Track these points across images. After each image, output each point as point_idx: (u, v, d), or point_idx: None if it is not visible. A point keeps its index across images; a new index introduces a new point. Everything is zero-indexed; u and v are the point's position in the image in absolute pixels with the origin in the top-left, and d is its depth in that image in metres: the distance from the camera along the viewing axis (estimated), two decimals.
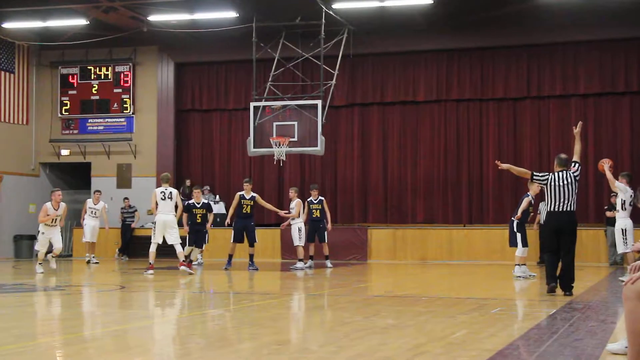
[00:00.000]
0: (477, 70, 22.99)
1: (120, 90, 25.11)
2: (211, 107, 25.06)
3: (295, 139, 20.97)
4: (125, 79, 25.07)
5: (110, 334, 8.09)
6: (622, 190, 14.63)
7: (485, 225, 22.32)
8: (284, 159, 21.26)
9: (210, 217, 18.04)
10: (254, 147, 21.22)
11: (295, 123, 21.01)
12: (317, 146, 20.74)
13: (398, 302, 11.38)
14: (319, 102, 20.78)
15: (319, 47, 20.94)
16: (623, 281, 13.47)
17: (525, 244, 15.13)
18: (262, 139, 21.15)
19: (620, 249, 14.70)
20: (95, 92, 25.25)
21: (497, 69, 22.86)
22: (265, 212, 23.89)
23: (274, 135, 20.91)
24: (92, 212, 21.39)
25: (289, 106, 21.15)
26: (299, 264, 18.80)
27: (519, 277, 15.14)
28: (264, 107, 21.29)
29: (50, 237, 17.42)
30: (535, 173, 11.83)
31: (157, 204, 16.42)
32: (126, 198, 23.40)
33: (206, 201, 18.27)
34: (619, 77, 21.94)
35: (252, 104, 21.46)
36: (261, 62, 22.28)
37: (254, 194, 18.26)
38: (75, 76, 25.46)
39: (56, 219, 17.42)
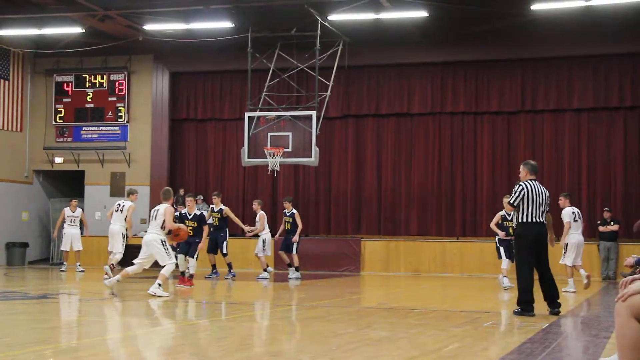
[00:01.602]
0: (472, 83, 23.04)
1: (115, 98, 25.09)
2: (206, 116, 25.05)
3: (290, 149, 20.95)
4: (120, 87, 25.05)
5: (102, 343, 8.06)
6: (567, 215, 15.83)
7: (479, 238, 22.32)
8: (278, 170, 21.25)
9: (205, 230, 17.19)
10: (248, 157, 21.20)
11: (290, 134, 21.01)
12: (311, 157, 20.73)
13: (391, 314, 11.37)
14: (313, 113, 20.78)
15: (314, 58, 20.96)
16: (566, 291, 14.90)
17: (507, 256, 15.81)
18: (256, 149, 21.13)
19: (562, 261, 15.95)
20: (89, 100, 25.23)
21: (492, 82, 22.91)
22: None
23: (269, 146, 20.91)
24: (70, 220, 21.33)
25: (283, 117, 21.15)
26: (264, 274, 19.10)
27: (506, 288, 15.77)
28: (259, 117, 21.30)
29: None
30: (510, 201, 11.04)
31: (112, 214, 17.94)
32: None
33: (199, 212, 17.91)
34: (612, 93, 21.99)
35: (246, 114, 21.46)
36: (256, 72, 22.29)
37: (223, 207, 18.90)
38: (70, 84, 25.44)
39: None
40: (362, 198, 23.67)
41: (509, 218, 15.84)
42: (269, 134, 21.05)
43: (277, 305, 13.04)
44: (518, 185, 10.98)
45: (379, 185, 23.71)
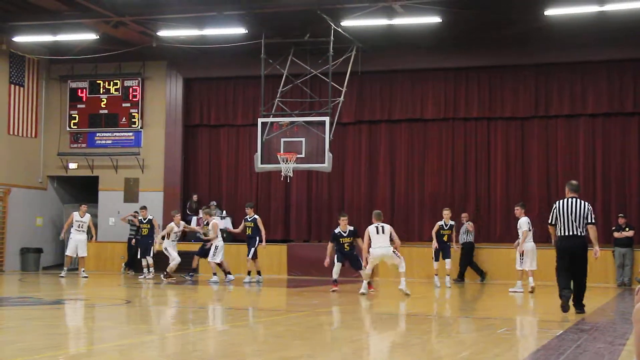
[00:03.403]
0: (485, 88, 22.96)
1: (128, 104, 25.15)
2: (219, 122, 25.07)
3: (303, 155, 20.92)
4: (134, 93, 25.11)
5: (115, 349, 8.06)
6: (524, 224, 17.15)
7: (492, 244, 22.21)
8: (291, 175, 21.23)
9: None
10: (261, 163, 21.19)
11: (303, 139, 20.98)
12: (324, 163, 20.70)
13: (404, 321, 11.33)
14: (326, 119, 20.76)
15: (328, 64, 20.93)
16: (514, 291, 16.85)
17: (436, 258, 18.83)
18: (269, 155, 21.13)
19: (517, 266, 17.31)
20: (103, 106, 25.29)
21: (505, 87, 22.83)
22: (272, 228, 23.90)
23: (282, 152, 20.90)
24: (78, 225, 21.30)
25: (296, 122, 21.13)
26: (214, 278, 19.49)
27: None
28: (272, 123, 21.28)
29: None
30: (549, 222, 12.36)
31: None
32: (136, 211, 23.31)
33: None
34: (627, 97, 21.87)
35: (260, 120, 21.45)
36: (269, 78, 22.27)
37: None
38: (84, 90, 25.51)
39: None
40: (375, 204, 23.57)
41: (446, 228, 18.96)
42: (282, 139, 21.04)
43: (291, 312, 13.02)
44: (554, 204, 12.45)
45: (392, 191, 23.65)
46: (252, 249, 19.43)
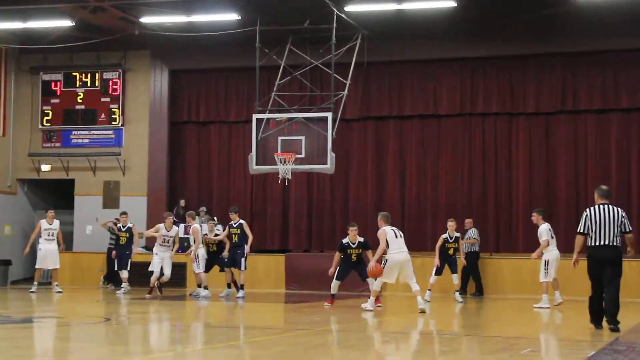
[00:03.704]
0: (506, 81, 22.90)
1: (108, 99, 25.11)
2: (209, 119, 25.03)
3: (303, 155, 20.89)
4: (114, 87, 25.07)
5: None
6: (544, 232, 17.26)
7: (515, 255, 22.15)
8: (290, 178, 21.19)
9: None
10: (256, 164, 21.15)
11: (303, 138, 20.95)
12: (326, 164, 20.67)
13: (416, 340, 11.26)
14: (329, 115, 20.72)
15: (330, 53, 20.90)
16: (537, 307, 16.60)
17: (437, 272, 18.88)
18: (265, 155, 21.09)
19: (541, 278, 17.26)
20: (80, 101, 25.24)
21: (528, 79, 22.77)
22: (269, 236, 23.87)
23: (279, 151, 20.86)
24: (48, 233, 21.08)
25: (295, 119, 21.09)
26: (199, 290, 19.55)
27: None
28: (268, 119, 21.25)
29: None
30: (578, 230, 12.43)
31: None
32: (117, 218, 23.23)
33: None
34: None
35: (254, 116, 21.42)
36: (265, 69, 22.24)
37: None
38: (58, 83, 25.47)
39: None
40: (383, 209, 23.46)
41: (451, 241, 19.00)
42: (280, 138, 21.00)
43: (289, 330, 12.95)
44: (585, 211, 12.53)
45: (402, 194, 23.60)
46: (243, 260, 19.36)
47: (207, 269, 19.88)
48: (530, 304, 17.74)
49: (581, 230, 12.34)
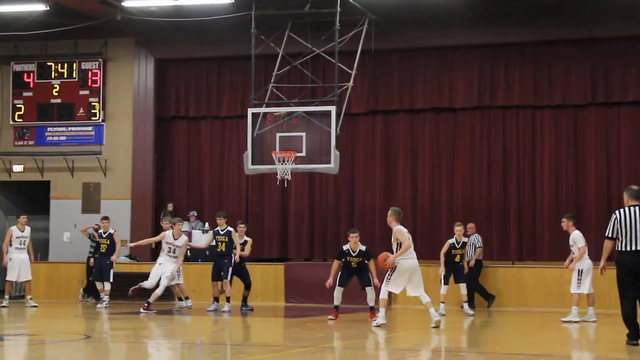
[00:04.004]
0: (529, 70, 22.88)
1: (87, 92, 25.10)
2: (200, 113, 25.03)
3: (303, 153, 20.88)
4: (93, 78, 25.06)
5: None
6: (580, 238, 17.44)
7: (540, 263, 22.16)
8: (289, 179, 21.19)
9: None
10: (252, 164, 21.15)
11: (304, 134, 20.94)
12: (330, 163, 20.66)
13: (429, 358, 11.28)
14: (332, 109, 20.71)
15: (333, 40, 20.90)
16: (566, 321, 16.78)
17: (446, 282, 19.29)
18: (262, 153, 21.09)
19: (573, 289, 17.39)
20: (56, 94, 25.23)
21: (555, 68, 22.74)
22: (266, 244, 23.88)
23: (277, 149, 20.86)
24: (20, 242, 21.10)
25: (295, 113, 21.09)
26: (182, 303, 19.67)
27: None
28: (265, 114, 21.25)
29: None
30: (606, 233, 12.56)
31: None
32: (97, 224, 23.25)
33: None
34: None
35: (250, 111, 21.41)
36: (262, 58, 22.24)
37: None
38: (31, 74, 25.47)
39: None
40: None
41: (458, 246, 19.32)
42: (278, 134, 21.01)
43: (290, 347, 12.98)
44: (613, 213, 12.66)
45: (414, 197, 23.59)
46: (230, 269, 19.46)
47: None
48: (557, 317, 17.76)
49: (610, 235, 12.43)
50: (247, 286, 19.89)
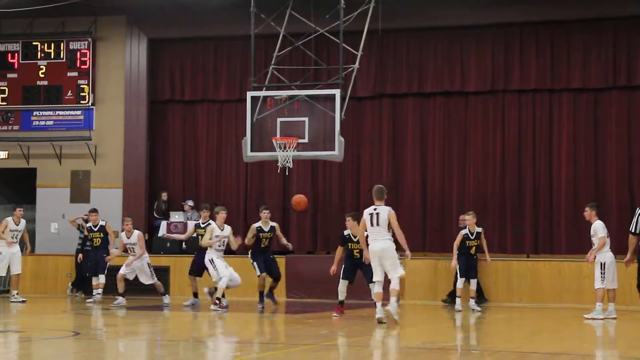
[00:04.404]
0: (546, 51, 22.92)
1: (75, 74, 25.13)
2: (196, 97, 25.07)
3: (306, 140, 20.92)
4: (82, 59, 25.09)
5: None
6: (600, 229, 17.36)
7: (556, 256, 22.21)
8: (291, 166, 21.23)
9: None
10: (251, 151, 21.19)
11: (306, 119, 20.98)
12: (334, 150, 20.70)
13: (439, 357, 11.35)
14: (337, 92, 20.72)
15: (338, 20, 20.91)
16: (589, 317, 16.81)
17: (462, 274, 19.32)
18: (262, 139, 21.12)
19: (597, 284, 17.39)
20: (42, 76, 25.27)
21: (574, 49, 22.76)
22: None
23: (278, 135, 20.90)
24: (12, 235, 21.26)
25: (297, 97, 21.12)
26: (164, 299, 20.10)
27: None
28: (265, 98, 21.29)
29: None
30: (631, 229, 13.45)
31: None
32: (87, 214, 23.30)
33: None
34: None
35: (249, 94, 21.43)
36: (262, 38, 22.26)
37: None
38: (15, 55, 25.50)
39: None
40: (401, 203, 23.60)
41: (472, 237, 19.36)
42: (279, 119, 21.04)
43: (292, 345, 13.05)
44: (638, 207, 13.26)
45: (424, 186, 23.64)
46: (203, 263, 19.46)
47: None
48: (574, 313, 17.82)
49: (634, 230, 12.55)
50: (276, 279, 19.92)
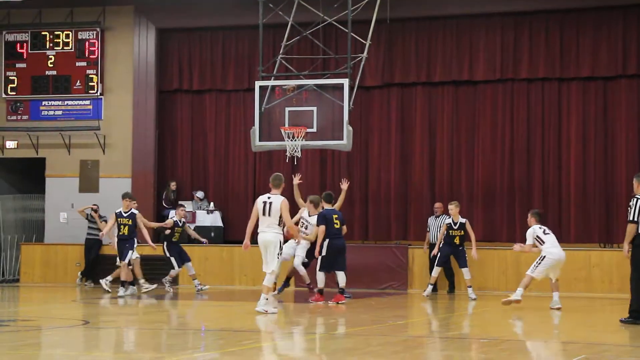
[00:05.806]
0: (555, 39, 22.85)
1: (84, 63, 25.15)
2: (204, 87, 25.07)
3: (314, 129, 20.92)
4: (91, 48, 25.11)
5: None
6: (531, 235, 17.28)
7: (566, 245, 22.12)
8: (299, 156, 21.24)
9: None
10: (259, 140, 21.20)
11: (314, 109, 20.97)
12: (342, 139, 20.69)
13: (447, 346, 11.35)
14: (345, 82, 20.71)
15: (346, 9, 20.89)
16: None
17: (438, 263, 19.73)
18: (270, 129, 21.12)
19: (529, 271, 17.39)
20: (51, 65, 25.29)
21: (583, 37, 22.69)
22: None
23: (286, 125, 20.90)
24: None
25: (306, 87, 21.12)
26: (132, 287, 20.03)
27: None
28: (274, 87, 21.28)
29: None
30: (629, 217, 13.46)
31: None
32: (95, 204, 23.32)
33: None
34: None
35: (257, 84, 21.43)
36: (270, 28, 22.24)
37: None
38: (24, 44, 25.52)
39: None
40: (409, 193, 23.61)
41: (455, 227, 19.65)
42: (287, 109, 21.04)
43: (302, 333, 13.07)
44: (633, 198, 13.51)
45: (432, 175, 23.63)
46: (130, 253, 19.48)
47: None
48: (580, 303, 17.78)
49: (632, 218, 13.14)
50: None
